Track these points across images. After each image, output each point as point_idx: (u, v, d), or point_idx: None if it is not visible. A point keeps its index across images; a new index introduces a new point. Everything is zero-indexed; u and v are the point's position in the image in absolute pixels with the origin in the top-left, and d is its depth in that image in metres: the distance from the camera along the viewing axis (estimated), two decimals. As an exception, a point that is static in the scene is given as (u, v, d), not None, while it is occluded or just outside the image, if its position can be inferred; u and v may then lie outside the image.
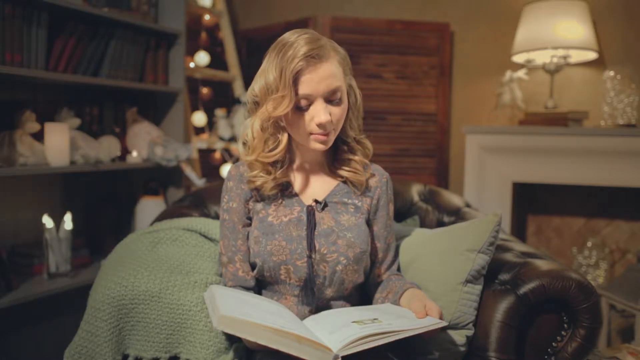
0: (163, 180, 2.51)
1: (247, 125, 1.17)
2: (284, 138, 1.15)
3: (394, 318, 1.01)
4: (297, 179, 1.22)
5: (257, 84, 1.13)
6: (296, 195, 1.20)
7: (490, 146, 2.55)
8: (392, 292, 1.19)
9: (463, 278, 1.20)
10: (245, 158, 1.18)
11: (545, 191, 2.76)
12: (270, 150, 1.15)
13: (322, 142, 1.13)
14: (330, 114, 1.10)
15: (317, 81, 1.08)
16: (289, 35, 1.11)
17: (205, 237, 1.41)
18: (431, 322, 1.00)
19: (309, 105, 1.10)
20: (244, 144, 1.20)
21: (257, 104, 1.15)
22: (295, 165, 1.23)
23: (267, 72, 1.10)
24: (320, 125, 1.10)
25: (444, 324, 1.02)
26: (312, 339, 0.90)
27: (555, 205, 2.77)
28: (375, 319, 1.00)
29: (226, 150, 2.89)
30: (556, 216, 2.78)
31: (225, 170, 2.82)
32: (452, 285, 1.20)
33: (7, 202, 2.18)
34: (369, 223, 1.23)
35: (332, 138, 1.14)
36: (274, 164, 1.18)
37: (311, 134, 1.12)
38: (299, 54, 1.06)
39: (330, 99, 1.11)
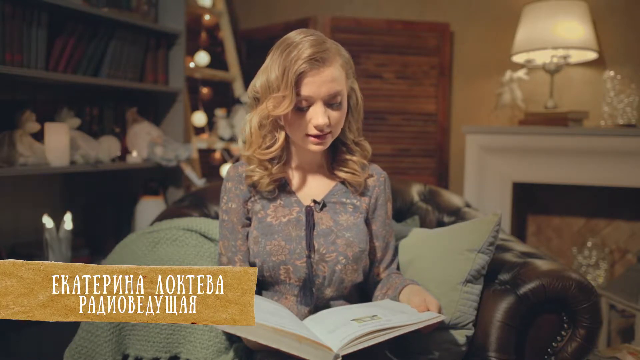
0: (163, 180, 2.51)
1: (247, 121, 1.18)
2: (281, 136, 1.16)
3: (393, 314, 1.01)
4: (295, 178, 1.22)
5: (258, 80, 1.14)
6: (295, 195, 1.20)
7: (490, 146, 2.55)
8: (391, 288, 1.20)
9: (463, 278, 1.20)
10: (243, 153, 1.19)
11: (545, 191, 2.76)
12: (267, 147, 1.16)
13: (318, 144, 1.13)
14: (328, 118, 1.10)
15: (318, 84, 1.08)
16: (294, 35, 1.11)
17: (205, 237, 1.41)
18: (430, 317, 1.00)
19: (309, 106, 1.10)
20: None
21: (257, 100, 1.15)
22: (293, 164, 1.23)
23: (270, 69, 1.10)
24: (317, 128, 1.10)
25: (443, 317, 1.02)
26: (312, 339, 0.90)
27: (555, 205, 2.77)
28: (374, 315, 1.00)
29: (226, 150, 2.89)
30: (556, 216, 2.78)
31: (225, 170, 2.82)
32: (452, 285, 1.20)
33: (7, 202, 2.18)
34: (367, 222, 1.23)
35: (328, 141, 1.14)
36: (270, 160, 1.18)
37: (308, 135, 1.12)
38: (302, 55, 1.06)
39: (330, 102, 1.11)
